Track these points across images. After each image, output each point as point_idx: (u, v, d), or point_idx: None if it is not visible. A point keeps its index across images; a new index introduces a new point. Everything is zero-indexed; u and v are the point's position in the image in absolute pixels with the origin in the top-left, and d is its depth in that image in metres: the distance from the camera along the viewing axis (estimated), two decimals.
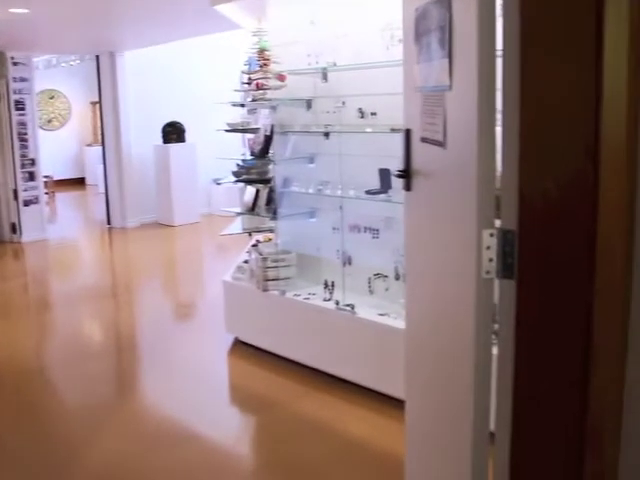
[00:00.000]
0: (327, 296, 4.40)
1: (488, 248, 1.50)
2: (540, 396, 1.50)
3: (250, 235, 5.24)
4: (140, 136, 10.35)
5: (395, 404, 3.55)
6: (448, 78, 1.67)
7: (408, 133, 2.05)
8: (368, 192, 3.99)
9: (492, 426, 1.61)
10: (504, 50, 1.43)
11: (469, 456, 1.68)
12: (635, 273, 1.40)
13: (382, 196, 3.91)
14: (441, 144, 1.75)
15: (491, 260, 1.51)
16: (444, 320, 1.88)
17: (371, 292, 4.30)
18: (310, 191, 4.58)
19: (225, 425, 3.96)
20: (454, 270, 1.73)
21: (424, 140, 1.92)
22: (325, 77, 4.34)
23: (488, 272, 1.52)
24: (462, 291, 1.65)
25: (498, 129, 1.49)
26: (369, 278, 4.30)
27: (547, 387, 1.48)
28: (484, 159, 1.50)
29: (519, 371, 1.51)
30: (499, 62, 1.46)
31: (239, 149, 5.83)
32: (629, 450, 1.46)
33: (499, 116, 1.48)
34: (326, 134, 4.37)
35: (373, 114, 4.09)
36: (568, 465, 1.47)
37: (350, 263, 4.34)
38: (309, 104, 4.59)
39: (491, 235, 1.49)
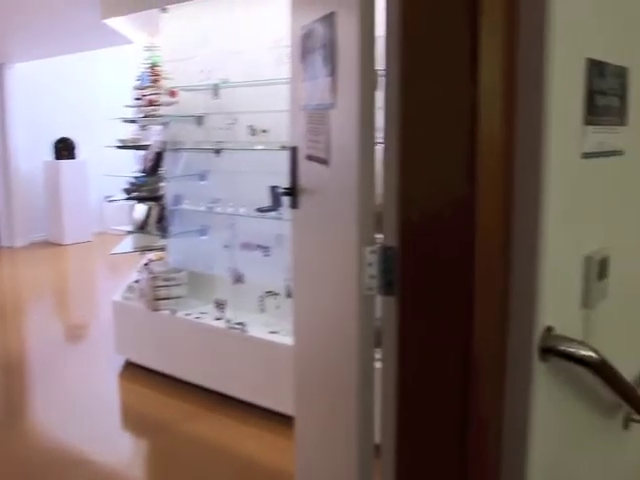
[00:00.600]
0: (218, 315, 4.38)
1: (370, 265, 1.53)
2: (422, 408, 1.53)
3: (142, 254, 5.15)
4: (30, 151, 10.02)
5: (287, 421, 3.55)
6: (331, 96, 1.70)
7: (294, 151, 2.07)
8: (259, 210, 4.00)
9: (378, 439, 1.63)
10: (386, 70, 1.46)
11: (355, 468, 1.69)
12: (513, 285, 1.46)
13: (273, 214, 3.93)
14: (325, 162, 1.78)
15: (372, 277, 1.53)
16: (329, 337, 1.89)
17: (262, 310, 4.30)
18: (201, 209, 4.55)
19: (117, 449, 3.86)
20: (338, 287, 1.75)
21: (309, 158, 1.94)
22: (217, 94, 4.34)
23: (370, 289, 1.54)
24: (346, 308, 1.67)
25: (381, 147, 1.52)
26: (260, 296, 4.30)
27: (429, 399, 1.51)
28: (364, 177, 1.53)
29: (402, 385, 1.53)
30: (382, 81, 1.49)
31: (132, 166, 5.74)
32: (509, 452, 1.51)
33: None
34: (217, 151, 4.36)
35: (264, 131, 4.12)
36: (451, 473, 1.51)
37: (242, 281, 4.33)
38: (201, 121, 4.57)
39: (372, 252, 1.52)
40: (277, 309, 4.21)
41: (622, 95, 1.73)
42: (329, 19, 1.69)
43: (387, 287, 1.51)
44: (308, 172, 2.00)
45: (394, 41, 1.40)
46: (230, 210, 4.29)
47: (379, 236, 1.55)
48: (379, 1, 1.50)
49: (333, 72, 1.69)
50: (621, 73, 1.71)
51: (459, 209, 1.37)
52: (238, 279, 4.34)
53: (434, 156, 1.39)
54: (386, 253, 1.49)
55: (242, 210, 4.21)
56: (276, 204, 3.91)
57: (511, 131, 1.39)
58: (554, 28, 1.38)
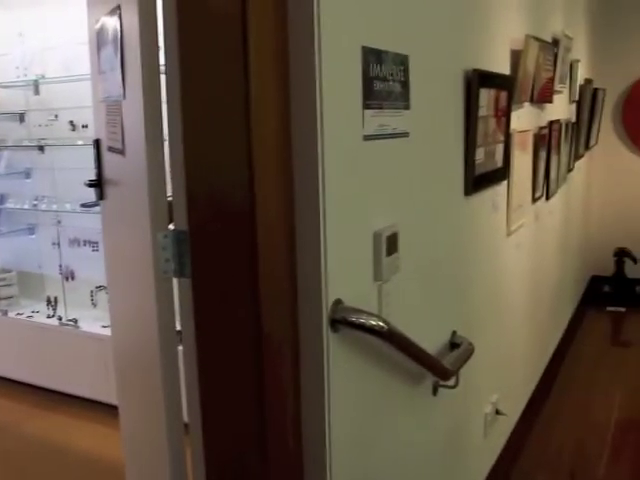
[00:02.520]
0: (50, 313, 4.30)
1: (164, 249, 1.56)
2: (223, 387, 1.58)
3: None
4: None
5: None
6: (121, 89, 1.72)
7: (97, 143, 2.07)
8: (83, 205, 3.94)
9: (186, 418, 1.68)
10: (166, 65, 1.49)
11: (167, 447, 1.73)
12: (300, 263, 1.54)
13: (97, 208, 3.87)
14: (121, 152, 1.79)
15: (167, 260, 1.56)
16: (137, 323, 1.92)
17: (94, 305, 4.26)
18: (26, 207, 4.42)
19: None
20: (139, 273, 1.77)
21: (110, 149, 1.95)
22: (37, 90, 4.22)
23: (166, 272, 1.58)
24: (147, 293, 1.70)
25: None
26: (92, 291, 4.26)
27: (228, 378, 1.57)
28: (153, 165, 1.57)
29: (202, 364, 1.58)
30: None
31: None
32: (310, 418, 1.59)
33: None
34: (41, 148, 4.25)
35: (84, 127, 4.05)
36: (254, 447, 1.57)
37: (73, 278, 4.26)
38: (22, 118, 4.43)
39: (165, 237, 1.55)
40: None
41: (404, 81, 1.84)
42: (116, 12, 1.71)
43: (181, 270, 1.55)
44: (110, 163, 2.01)
45: (174, 38, 1.44)
46: (55, 207, 4.21)
47: None
48: None
49: (122, 65, 1.71)
50: (402, 60, 1.82)
51: (241, 193, 1.42)
52: (69, 276, 4.27)
53: (215, 144, 1.44)
54: (178, 237, 1.53)
55: (68, 206, 4.14)
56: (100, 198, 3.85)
57: (286, 117, 1.46)
58: (325, 18, 1.46)
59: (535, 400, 4.11)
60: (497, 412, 3.17)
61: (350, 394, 1.70)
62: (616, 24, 6.37)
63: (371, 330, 1.61)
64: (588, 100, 5.35)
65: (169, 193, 1.59)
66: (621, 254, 6.44)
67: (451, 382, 2.26)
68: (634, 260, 6.37)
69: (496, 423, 3.18)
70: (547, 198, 4.02)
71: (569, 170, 4.88)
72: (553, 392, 4.42)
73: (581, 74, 5.03)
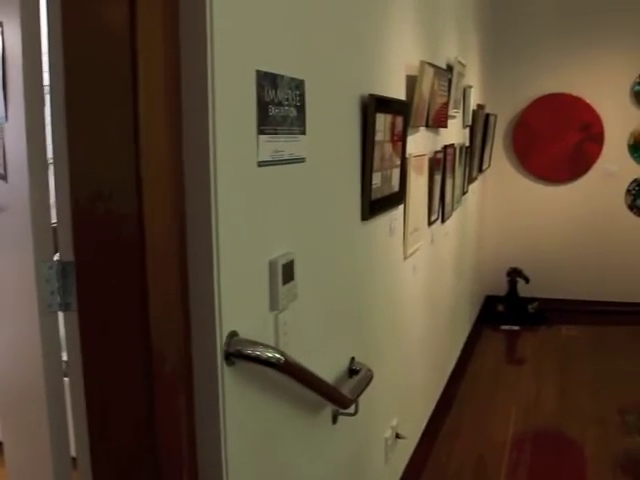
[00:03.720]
0: None
1: (48, 281, 1.47)
2: (112, 419, 1.50)
3: None
4: None
5: None
6: (3, 110, 1.62)
7: None
8: None
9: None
10: (50, 86, 1.42)
11: None
12: (192, 295, 1.48)
13: None
14: (3, 177, 1.69)
15: (52, 293, 1.48)
16: (21, 356, 1.81)
17: None
18: None
19: None
20: (23, 305, 1.67)
21: None
22: None
23: (50, 306, 1.49)
24: (31, 326, 1.60)
25: None
26: None
27: (118, 411, 1.49)
28: (36, 190, 1.48)
29: (90, 399, 1.49)
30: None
31: None
32: (205, 447, 1.53)
33: None
34: None
35: None
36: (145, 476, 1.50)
37: None
38: None
39: (50, 267, 1.47)
40: None
41: (300, 106, 1.82)
42: None
43: (67, 303, 1.46)
44: None
45: (59, 60, 1.37)
46: None
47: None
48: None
49: (3, 85, 1.61)
50: (298, 85, 1.80)
51: (130, 222, 1.36)
52: None
53: (102, 169, 1.37)
54: (64, 268, 1.45)
55: None
56: None
57: (178, 142, 1.41)
58: (219, 40, 1.42)
59: (434, 420, 4.15)
60: (397, 436, 3.17)
61: (248, 427, 1.65)
62: (506, 53, 6.62)
63: (267, 362, 1.57)
64: (481, 125, 5.50)
65: (54, 220, 1.50)
66: (514, 274, 6.63)
67: (351, 410, 2.24)
68: (526, 280, 6.57)
69: (397, 447, 3.18)
70: (443, 221, 4.09)
71: (464, 193, 4.99)
72: (452, 411, 4.48)
73: (474, 100, 5.18)
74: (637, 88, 6.48)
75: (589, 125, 6.59)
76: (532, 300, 6.58)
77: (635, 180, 6.61)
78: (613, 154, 6.58)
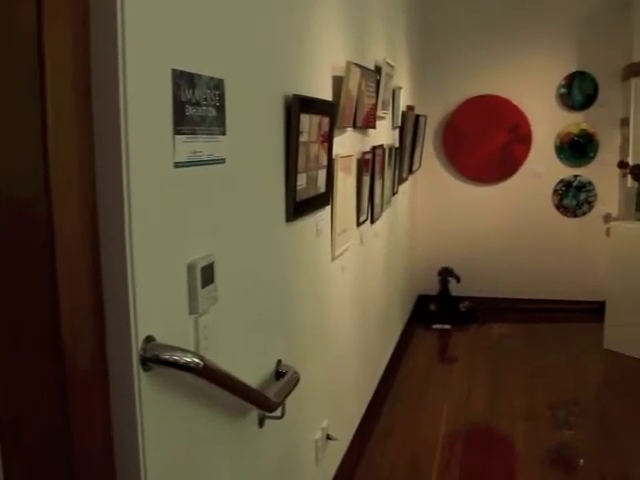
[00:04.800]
0: None
1: None
2: (22, 423, 1.45)
3: None
4: None
5: None
6: None
7: None
8: None
9: None
10: None
11: None
12: (106, 300, 1.44)
13: None
14: None
15: None
16: None
17: None
18: None
19: None
20: None
21: None
22: None
23: None
24: None
25: None
26: None
27: (28, 413, 1.44)
28: None
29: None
30: None
31: None
32: (123, 458, 1.49)
33: None
34: None
35: None
36: None
37: None
38: None
39: None
40: None
41: (220, 106, 1.79)
42: None
43: None
44: None
45: None
46: None
47: None
48: None
49: None
50: (217, 84, 1.77)
51: (38, 224, 1.31)
52: None
53: (8, 172, 1.32)
54: None
55: None
56: None
57: (89, 146, 1.37)
58: (131, 38, 1.38)
59: (367, 420, 4.16)
60: (328, 437, 3.16)
61: (168, 433, 1.62)
62: (436, 55, 6.70)
63: (185, 367, 1.53)
64: (410, 126, 5.54)
65: None
66: (445, 273, 6.71)
67: (277, 413, 2.22)
68: (457, 279, 6.66)
69: (328, 448, 3.17)
70: (372, 221, 4.10)
71: (394, 194, 5.02)
72: (384, 411, 4.50)
73: (403, 101, 5.21)
74: (563, 91, 6.64)
75: (517, 127, 6.72)
76: (463, 299, 6.68)
77: (562, 180, 6.77)
78: (540, 155, 6.72)
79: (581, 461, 3.96)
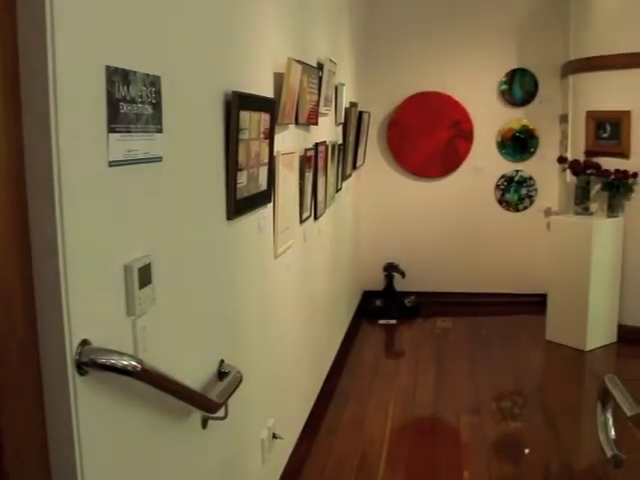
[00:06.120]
0: None
1: None
2: None
3: None
4: None
5: None
6: None
7: None
8: None
9: None
10: None
11: None
12: (39, 305, 1.39)
13: None
14: None
15: None
16: None
17: None
18: None
19: None
20: None
21: None
22: None
23: None
24: None
25: None
26: None
27: None
28: None
29: None
30: None
31: None
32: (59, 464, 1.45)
33: None
34: None
35: None
36: None
37: None
38: None
39: None
40: None
41: (156, 103, 1.75)
42: None
43: None
44: None
45: None
46: None
47: None
48: None
49: None
50: (153, 81, 1.73)
51: None
52: None
53: None
54: None
55: None
56: None
57: (19, 144, 1.33)
58: (61, 34, 1.34)
59: (314, 417, 4.16)
60: (274, 436, 3.15)
61: (107, 438, 1.58)
62: (380, 52, 6.73)
63: (122, 371, 1.50)
64: (354, 122, 5.55)
65: None
66: (390, 269, 6.75)
67: (220, 413, 2.19)
68: (402, 274, 6.70)
69: (274, 447, 3.16)
70: (316, 218, 4.10)
71: (337, 190, 5.02)
72: (331, 407, 4.50)
73: (347, 98, 5.21)
74: (504, 87, 6.73)
75: (459, 123, 6.79)
76: (408, 294, 6.72)
77: (503, 175, 6.86)
78: (482, 151, 6.81)
79: (526, 451, 4.02)
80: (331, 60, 4.23)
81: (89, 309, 1.48)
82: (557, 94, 6.61)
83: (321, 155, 4.02)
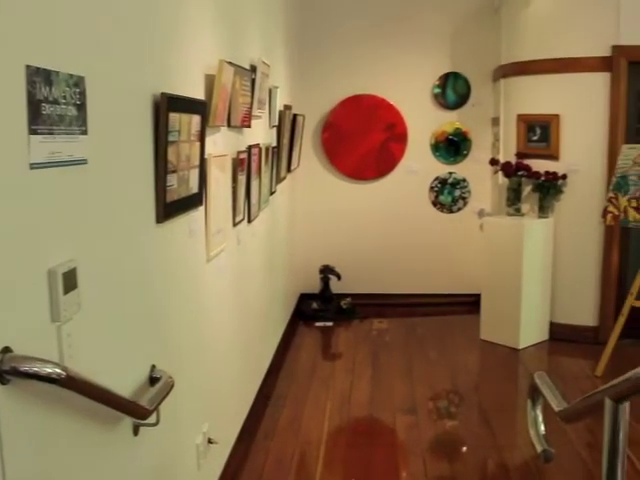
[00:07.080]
0: None
1: None
2: None
3: None
4: None
5: None
6: None
7: None
8: None
9: None
10: None
11: None
12: None
13: None
14: None
15: None
16: None
17: None
18: None
19: None
20: None
21: None
22: None
23: None
24: None
25: None
26: None
27: None
28: None
29: None
30: None
31: None
32: None
33: None
34: None
35: None
36: None
37: None
38: None
39: None
40: None
41: (80, 104, 1.72)
42: None
43: None
44: None
45: None
46: None
47: None
48: None
49: None
50: (77, 82, 1.70)
51: None
52: None
53: None
54: None
55: None
56: None
57: None
58: None
59: (251, 421, 4.14)
60: (210, 441, 3.12)
61: (31, 449, 1.53)
62: (314, 55, 6.75)
63: (47, 379, 1.46)
64: (288, 125, 5.55)
65: None
66: (326, 271, 6.77)
67: (152, 419, 2.16)
68: (338, 276, 6.73)
69: (210, 453, 3.13)
70: (249, 221, 4.07)
71: (272, 193, 5.00)
72: (268, 411, 4.49)
73: (280, 100, 5.21)
74: (437, 90, 6.82)
75: (393, 125, 6.86)
76: (345, 296, 6.75)
77: (437, 178, 6.96)
78: (416, 153, 6.89)
79: (462, 449, 4.08)
80: (264, 62, 4.21)
81: (10, 316, 1.44)
82: (489, 97, 6.74)
83: (254, 158, 4.00)
